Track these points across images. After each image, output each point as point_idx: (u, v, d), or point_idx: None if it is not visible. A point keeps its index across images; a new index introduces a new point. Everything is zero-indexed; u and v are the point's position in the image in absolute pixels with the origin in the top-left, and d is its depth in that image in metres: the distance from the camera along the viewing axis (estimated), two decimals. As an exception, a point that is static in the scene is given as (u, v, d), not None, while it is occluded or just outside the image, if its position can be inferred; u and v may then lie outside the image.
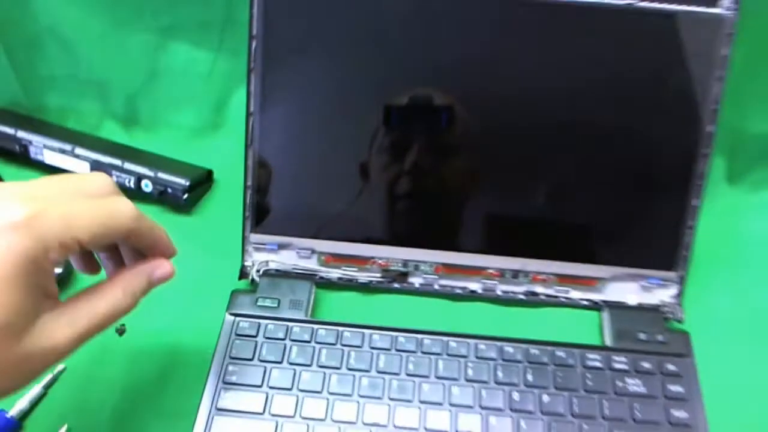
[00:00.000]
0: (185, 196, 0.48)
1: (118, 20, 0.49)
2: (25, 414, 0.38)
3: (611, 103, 0.41)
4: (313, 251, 0.45)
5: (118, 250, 0.33)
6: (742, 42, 0.45)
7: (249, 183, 0.43)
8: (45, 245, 0.25)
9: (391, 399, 0.38)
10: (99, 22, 0.49)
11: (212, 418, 0.37)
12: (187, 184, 0.48)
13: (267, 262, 0.44)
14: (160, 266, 0.32)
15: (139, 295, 0.31)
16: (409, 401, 0.38)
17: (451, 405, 0.38)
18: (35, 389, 0.38)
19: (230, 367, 0.39)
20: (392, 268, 0.45)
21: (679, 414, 0.39)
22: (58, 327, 0.26)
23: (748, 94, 0.49)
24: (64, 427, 0.37)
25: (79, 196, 0.27)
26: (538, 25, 0.40)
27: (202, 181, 0.50)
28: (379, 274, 0.45)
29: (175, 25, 0.50)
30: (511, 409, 0.38)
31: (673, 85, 0.41)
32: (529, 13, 0.40)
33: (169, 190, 0.48)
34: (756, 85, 0.49)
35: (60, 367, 0.40)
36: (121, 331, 0.42)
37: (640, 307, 0.44)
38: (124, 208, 0.29)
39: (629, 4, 0.39)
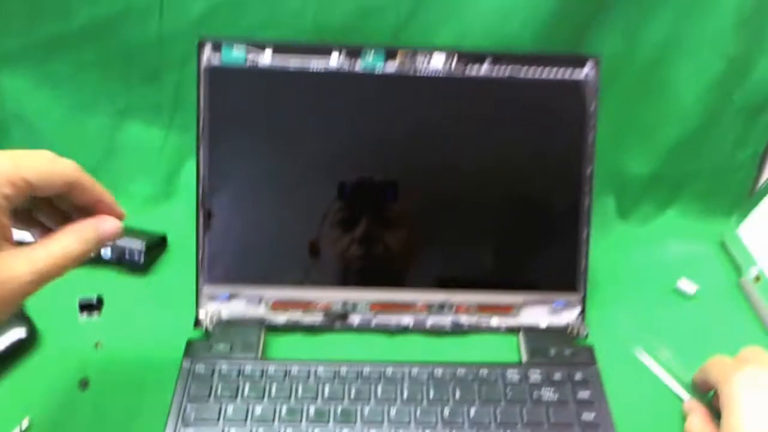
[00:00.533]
0: (142, 259, 0.53)
1: (78, 105, 0.55)
2: (-7, 469, 0.40)
3: (511, 160, 0.50)
4: (261, 299, 0.50)
5: (64, 216, 0.34)
6: (612, 100, 0.55)
7: (200, 239, 0.48)
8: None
9: (336, 422, 0.43)
10: (60, 107, 0.54)
11: (174, 455, 0.41)
12: (143, 248, 0.53)
13: (219, 311, 0.49)
14: (108, 221, 0.34)
15: (90, 244, 0.32)
16: (352, 423, 0.43)
17: (390, 423, 0.43)
18: (2, 443, 0.41)
19: (189, 407, 0.43)
20: (333, 309, 0.50)
21: (588, 416, 0.44)
22: (17, 264, 0.28)
23: (625, 141, 0.59)
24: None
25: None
26: (441, 100, 0.48)
27: (157, 245, 0.55)
28: (321, 317, 0.50)
29: (130, 107, 0.56)
30: (443, 423, 0.43)
31: (556, 139, 0.49)
32: (426, 89, 0.48)
33: (127, 254, 0.53)
34: (631, 135, 0.59)
35: (25, 423, 0.42)
36: (84, 385, 0.45)
37: (550, 329, 0.51)
38: (66, 160, 0.32)
39: (510, 77, 0.48)
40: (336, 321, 0.50)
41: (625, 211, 0.62)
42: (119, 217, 0.35)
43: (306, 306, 0.50)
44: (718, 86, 0.56)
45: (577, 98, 0.49)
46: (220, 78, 0.47)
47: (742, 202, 0.63)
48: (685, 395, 0.47)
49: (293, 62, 0.47)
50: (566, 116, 0.49)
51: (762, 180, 0.62)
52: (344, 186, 0.49)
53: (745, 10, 0.52)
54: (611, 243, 0.60)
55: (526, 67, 0.48)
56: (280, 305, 0.50)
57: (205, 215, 0.48)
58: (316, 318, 0.50)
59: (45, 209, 0.34)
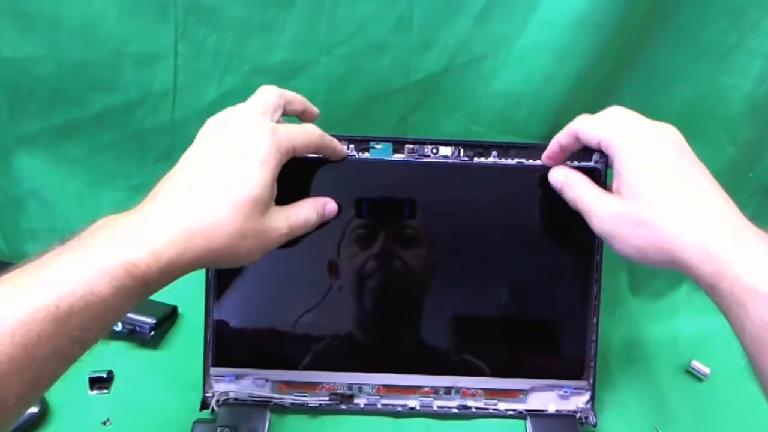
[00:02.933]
0: (152, 333, 0.54)
1: (93, 182, 0.56)
2: None
3: (519, 247, 0.49)
4: (267, 380, 0.50)
5: None
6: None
7: (209, 324, 0.49)
8: (279, 148, 0.36)
9: None
10: (76, 184, 0.56)
11: None
12: (154, 322, 0.54)
13: (227, 392, 0.49)
14: (331, 203, 0.44)
15: (320, 216, 0.42)
16: None
17: None
18: None
19: (192, 497, 0.43)
20: (338, 391, 0.50)
21: None
22: (279, 218, 0.37)
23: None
24: None
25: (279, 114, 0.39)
26: (448, 184, 0.48)
27: (167, 317, 0.56)
28: (327, 398, 0.50)
29: (144, 184, 0.57)
30: None
31: (566, 226, 0.48)
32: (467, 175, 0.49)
33: (137, 328, 0.53)
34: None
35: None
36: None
37: (558, 414, 0.50)
38: (316, 130, 0.41)
39: (520, 162, 0.48)
40: (342, 402, 0.50)
41: (637, 287, 0.62)
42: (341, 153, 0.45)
43: (312, 388, 0.50)
44: (732, 168, 0.55)
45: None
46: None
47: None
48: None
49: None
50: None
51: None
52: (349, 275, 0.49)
53: (757, 97, 0.52)
54: (623, 319, 0.60)
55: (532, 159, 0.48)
56: (286, 386, 0.50)
57: (213, 300, 0.49)
58: (322, 399, 0.50)
59: None
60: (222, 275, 0.49)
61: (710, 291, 0.33)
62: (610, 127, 0.38)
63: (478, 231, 0.49)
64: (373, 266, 0.49)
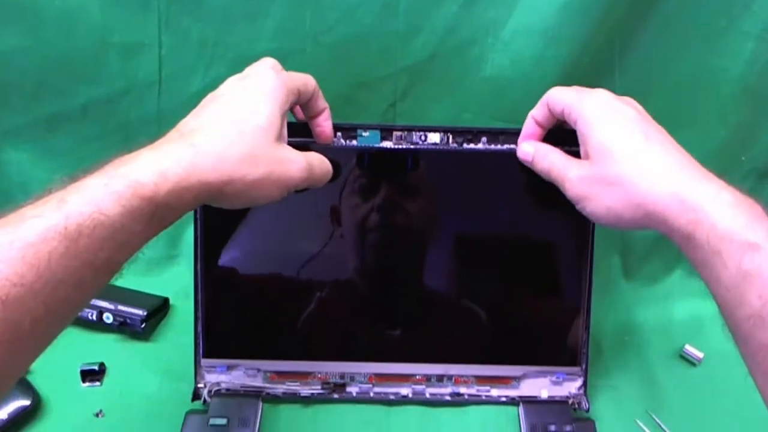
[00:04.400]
0: (143, 325, 0.53)
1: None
2: None
3: (512, 232, 0.49)
4: (259, 370, 0.50)
5: None
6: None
7: (199, 316, 0.49)
8: (284, 84, 0.36)
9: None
10: (63, 176, 0.55)
11: None
12: (144, 314, 0.54)
13: (218, 383, 0.49)
14: (326, 162, 0.40)
15: (325, 168, 0.39)
16: (347, 506, 0.43)
17: (385, 507, 0.43)
18: None
19: (185, 488, 0.43)
20: (330, 380, 0.50)
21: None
22: (295, 153, 0.36)
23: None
24: None
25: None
26: (439, 170, 0.48)
27: (159, 309, 0.56)
28: (319, 387, 0.50)
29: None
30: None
31: (558, 213, 0.47)
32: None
33: (128, 320, 0.53)
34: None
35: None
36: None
37: (551, 401, 0.50)
38: (314, 82, 0.41)
39: (510, 148, 0.48)
40: (334, 391, 0.50)
41: (631, 271, 0.62)
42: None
43: (304, 377, 0.50)
44: (724, 151, 0.55)
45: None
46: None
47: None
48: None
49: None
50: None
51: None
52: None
53: (749, 80, 0.51)
54: (616, 304, 0.60)
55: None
56: (278, 376, 0.50)
57: (202, 293, 0.49)
58: (314, 388, 0.50)
59: None
60: (210, 264, 0.48)
61: (685, 243, 0.33)
62: (574, 94, 0.39)
63: (471, 215, 0.49)
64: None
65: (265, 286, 0.49)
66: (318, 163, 0.38)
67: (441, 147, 0.48)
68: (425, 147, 0.47)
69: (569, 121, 0.39)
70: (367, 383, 0.50)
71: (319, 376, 0.50)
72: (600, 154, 0.36)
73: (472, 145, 0.48)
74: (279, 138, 0.35)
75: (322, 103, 0.42)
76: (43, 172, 0.55)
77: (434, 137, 0.48)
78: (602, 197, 0.36)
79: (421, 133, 0.48)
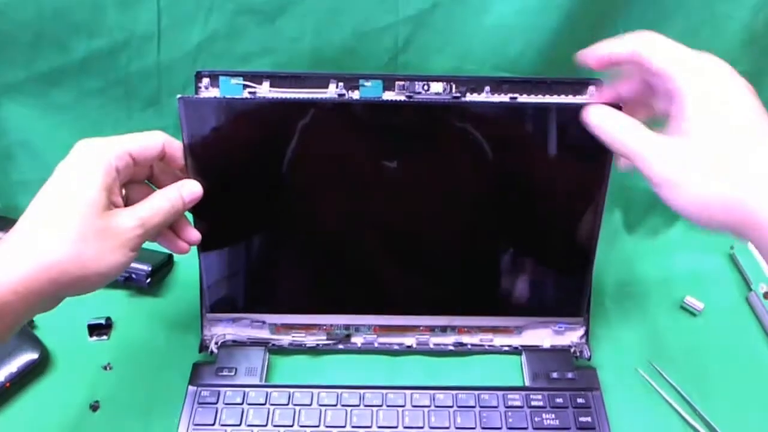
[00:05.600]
0: (148, 280, 0.54)
1: (81, 131, 0.54)
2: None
3: (517, 186, 0.47)
4: (265, 322, 0.50)
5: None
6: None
7: (203, 272, 0.48)
8: (108, 156, 0.36)
9: (338, 448, 0.44)
10: (64, 133, 0.55)
11: (180, 481, 0.42)
12: (149, 269, 0.54)
13: (224, 335, 0.50)
14: (188, 183, 0.41)
15: (174, 201, 0.40)
16: (354, 450, 0.44)
17: (391, 449, 0.44)
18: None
19: (194, 433, 0.44)
20: (336, 332, 0.51)
21: (589, 440, 0.45)
22: (124, 216, 0.37)
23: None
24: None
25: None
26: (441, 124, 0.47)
27: (164, 265, 0.56)
28: (324, 337, 0.51)
29: (132, 132, 0.56)
30: (444, 449, 0.44)
31: (567, 166, 0.46)
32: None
33: (134, 275, 0.54)
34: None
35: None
36: (95, 408, 0.47)
37: (553, 349, 0.51)
38: (156, 132, 0.40)
39: (513, 98, 0.47)
40: (339, 342, 0.51)
41: (633, 225, 0.62)
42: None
43: (310, 329, 0.51)
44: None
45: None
46: (203, 108, 0.45)
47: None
48: (688, 417, 0.47)
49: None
50: (568, 143, 0.48)
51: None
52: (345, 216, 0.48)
53: (755, 27, 0.50)
54: (618, 257, 0.60)
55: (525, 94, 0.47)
56: (283, 328, 0.51)
57: (204, 245, 0.48)
58: (319, 339, 0.51)
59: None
60: (210, 218, 0.48)
61: None
62: (677, 55, 0.34)
63: (477, 168, 0.48)
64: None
65: (266, 238, 0.49)
66: (152, 213, 0.38)
67: (443, 99, 0.47)
68: (428, 98, 0.47)
69: (670, 83, 0.33)
70: (371, 334, 0.51)
71: (325, 328, 0.51)
72: (709, 134, 0.31)
73: (475, 95, 0.47)
74: (103, 207, 0.36)
75: (180, 154, 0.42)
76: (45, 127, 0.55)
77: (437, 87, 0.47)
78: (696, 185, 0.31)
79: (424, 82, 0.47)
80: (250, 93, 0.46)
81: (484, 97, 0.47)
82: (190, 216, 0.44)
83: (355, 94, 0.47)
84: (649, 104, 0.39)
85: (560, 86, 0.47)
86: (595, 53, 0.38)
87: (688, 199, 0.32)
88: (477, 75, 0.47)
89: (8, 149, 0.56)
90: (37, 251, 0.33)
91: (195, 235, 0.43)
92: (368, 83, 0.47)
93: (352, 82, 0.47)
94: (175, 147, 0.41)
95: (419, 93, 0.47)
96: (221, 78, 0.47)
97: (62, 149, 0.56)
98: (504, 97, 0.47)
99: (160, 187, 0.41)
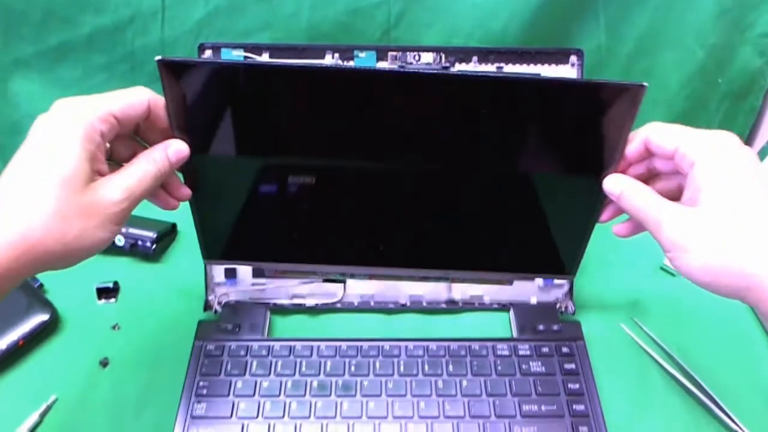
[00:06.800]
0: (153, 246, 0.56)
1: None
2: (26, 438, 0.44)
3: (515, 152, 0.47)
4: (265, 286, 0.53)
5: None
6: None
7: (198, 219, 0.47)
8: (90, 119, 0.33)
9: (338, 396, 0.46)
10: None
11: (188, 426, 0.44)
12: (155, 236, 0.56)
13: (227, 294, 0.53)
14: (174, 142, 0.38)
15: (161, 163, 0.37)
16: (352, 396, 0.46)
17: (388, 395, 0.46)
18: (33, 416, 0.45)
19: (201, 382, 0.46)
20: (331, 277, 0.53)
21: (573, 385, 0.48)
22: (108, 187, 0.34)
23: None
24: (59, 447, 0.44)
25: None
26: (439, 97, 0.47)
27: (168, 233, 0.59)
28: (324, 300, 0.53)
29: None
30: (437, 395, 0.46)
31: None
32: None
33: (139, 242, 0.56)
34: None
35: (53, 397, 0.46)
36: (104, 364, 0.49)
37: (539, 306, 0.54)
38: (140, 89, 0.37)
39: (499, 67, 0.50)
40: (336, 282, 0.53)
41: (614, 193, 0.65)
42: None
43: (307, 275, 0.53)
44: (702, 73, 0.58)
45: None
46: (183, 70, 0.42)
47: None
48: (668, 367, 0.50)
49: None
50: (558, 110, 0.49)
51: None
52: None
53: (726, 1, 0.54)
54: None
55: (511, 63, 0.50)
56: (281, 273, 0.53)
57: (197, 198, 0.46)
58: (318, 300, 0.53)
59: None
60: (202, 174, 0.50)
61: None
62: (687, 134, 0.35)
63: (472, 139, 0.49)
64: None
65: (260, 188, 0.48)
66: (137, 181, 0.35)
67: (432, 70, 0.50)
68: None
69: (681, 162, 0.35)
70: (365, 278, 0.53)
71: (321, 273, 0.53)
72: (715, 205, 0.33)
73: (463, 65, 0.50)
74: (85, 180, 0.32)
75: (163, 119, 0.38)
76: (52, 102, 0.57)
77: (427, 57, 0.50)
78: (702, 252, 0.33)
79: (415, 53, 0.50)
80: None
81: (473, 66, 0.50)
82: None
83: (350, 65, 0.50)
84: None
85: (543, 56, 0.50)
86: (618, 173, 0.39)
87: (696, 265, 0.33)
88: (465, 46, 0.50)
89: (18, 123, 0.58)
90: (17, 231, 0.30)
91: (185, 192, 0.41)
92: (362, 54, 0.50)
93: (347, 53, 0.50)
94: (161, 105, 0.38)
95: (411, 63, 0.50)
96: (223, 50, 0.50)
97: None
98: (491, 67, 0.50)
99: (146, 142, 0.38)
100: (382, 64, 0.50)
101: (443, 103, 0.44)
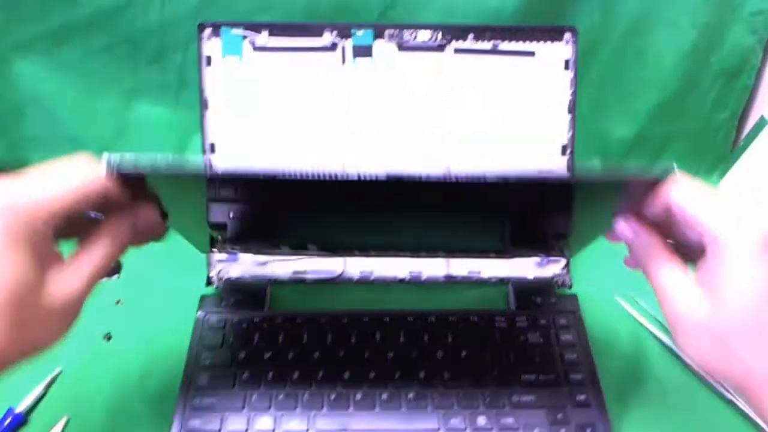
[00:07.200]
0: (155, 226, 0.57)
1: (89, 88, 0.59)
2: (30, 409, 0.45)
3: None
4: (267, 262, 0.53)
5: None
6: (593, 68, 0.58)
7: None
8: (36, 226, 0.28)
9: (339, 365, 0.47)
10: (73, 90, 0.58)
11: (191, 397, 0.45)
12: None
13: (228, 270, 0.53)
14: (144, 210, 0.34)
15: (125, 238, 0.33)
16: (354, 365, 0.47)
17: (390, 365, 0.47)
18: (38, 389, 0.45)
19: (204, 354, 0.47)
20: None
21: (571, 356, 0.48)
22: (67, 280, 0.31)
23: (608, 107, 0.63)
24: (64, 419, 0.44)
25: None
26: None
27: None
28: (324, 276, 0.54)
29: (138, 89, 0.59)
30: (439, 363, 0.47)
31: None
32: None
33: (141, 221, 0.57)
34: (613, 100, 0.63)
35: (57, 369, 0.47)
36: (108, 338, 0.50)
37: (537, 280, 0.54)
38: (95, 175, 0.30)
39: (495, 44, 0.51)
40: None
41: (610, 174, 0.66)
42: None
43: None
44: (694, 52, 0.59)
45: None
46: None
47: (722, 162, 0.66)
48: (664, 339, 0.51)
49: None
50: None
51: (740, 140, 0.65)
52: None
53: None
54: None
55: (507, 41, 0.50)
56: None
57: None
58: (319, 275, 0.54)
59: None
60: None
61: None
62: (722, 216, 0.30)
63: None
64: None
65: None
66: (100, 263, 0.32)
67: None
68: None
69: (701, 240, 0.31)
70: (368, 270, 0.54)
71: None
72: (729, 312, 0.30)
73: (460, 42, 0.51)
74: (42, 285, 0.29)
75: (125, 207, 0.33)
76: (54, 84, 0.58)
77: (424, 35, 0.51)
78: (708, 352, 0.31)
79: (412, 30, 0.51)
80: (250, 42, 0.50)
81: (469, 44, 0.51)
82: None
83: (348, 43, 0.51)
84: None
85: (538, 33, 0.51)
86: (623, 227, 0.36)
87: (696, 354, 0.32)
88: (461, 24, 0.51)
89: (20, 105, 0.59)
90: None
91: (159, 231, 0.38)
92: (360, 32, 0.51)
93: (345, 31, 0.51)
94: (120, 195, 0.31)
95: (407, 41, 0.51)
96: (222, 28, 0.50)
97: (71, 106, 0.60)
98: (487, 44, 0.51)
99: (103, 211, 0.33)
100: (380, 42, 0.51)
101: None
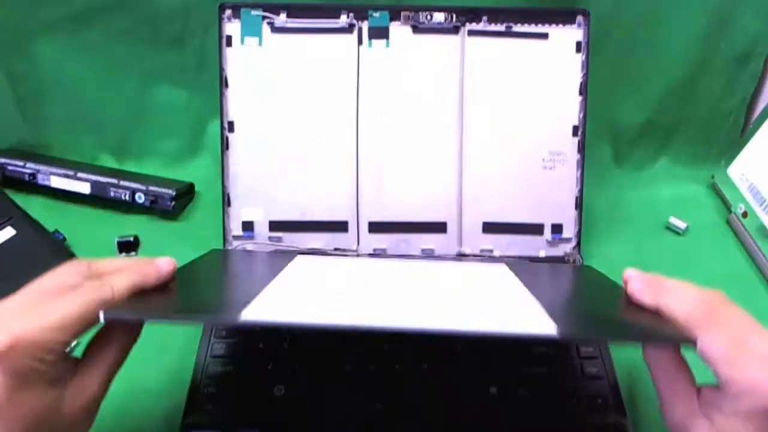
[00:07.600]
0: (172, 203, 0.58)
1: (110, 70, 0.60)
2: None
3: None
4: (281, 239, 0.55)
5: None
6: (605, 56, 0.59)
7: (227, 189, 0.53)
8: (44, 356, 0.28)
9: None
10: (94, 72, 0.60)
11: (208, 363, 0.45)
12: (174, 193, 0.58)
13: (245, 246, 0.54)
14: (154, 267, 0.36)
15: (128, 346, 0.34)
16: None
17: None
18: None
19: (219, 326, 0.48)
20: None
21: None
22: (85, 384, 0.31)
23: (619, 93, 0.63)
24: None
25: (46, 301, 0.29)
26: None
27: (186, 192, 0.60)
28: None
29: (158, 71, 0.61)
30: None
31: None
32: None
33: (159, 199, 0.58)
34: (624, 86, 0.63)
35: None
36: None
37: (548, 258, 0.55)
38: (97, 302, 0.30)
39: (509, 26, 0.52)
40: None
41: (621, 158, 0.67)
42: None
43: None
44: (704, 39, 0.60)
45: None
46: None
47: (732, 147, 0.66)
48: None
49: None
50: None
51: (750, 125, 0.65)
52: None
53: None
54: (607, 188, 0.64)
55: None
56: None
57: (229, 166, 0.53)
58: (340, 244, 0.55)
59: None
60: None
61: None
62: (704, 310, 0.32)
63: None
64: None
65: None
66: (116, 356, 0.32)
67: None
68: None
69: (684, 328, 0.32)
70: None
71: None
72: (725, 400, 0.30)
73: (474, 24, 0.52)
74: (60, 399, 0.30)
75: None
76: (77, 66, 0.59)
77: (439, 16, 0.52)
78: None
79: (427, 12, 0.52)
80: (268, 23, 0.52)
81: (482, 26, 0.52)
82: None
83: (365, 24, 0.52)
84: None
85: (551, 15, 0.53)
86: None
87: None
88: (475, 6, 0.52)
89: (41, 86, 0.60)
90: None
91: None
92: (376, 14, 0.52)
93: (361, 13, 0.52)
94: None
95: (423, 23, 0.52)
96: (242, 9, 0.52)
97: (93, 87, 0.61)
98: (500, 27, 0.52)
99: None
100: (395, 24, 0.52)
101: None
